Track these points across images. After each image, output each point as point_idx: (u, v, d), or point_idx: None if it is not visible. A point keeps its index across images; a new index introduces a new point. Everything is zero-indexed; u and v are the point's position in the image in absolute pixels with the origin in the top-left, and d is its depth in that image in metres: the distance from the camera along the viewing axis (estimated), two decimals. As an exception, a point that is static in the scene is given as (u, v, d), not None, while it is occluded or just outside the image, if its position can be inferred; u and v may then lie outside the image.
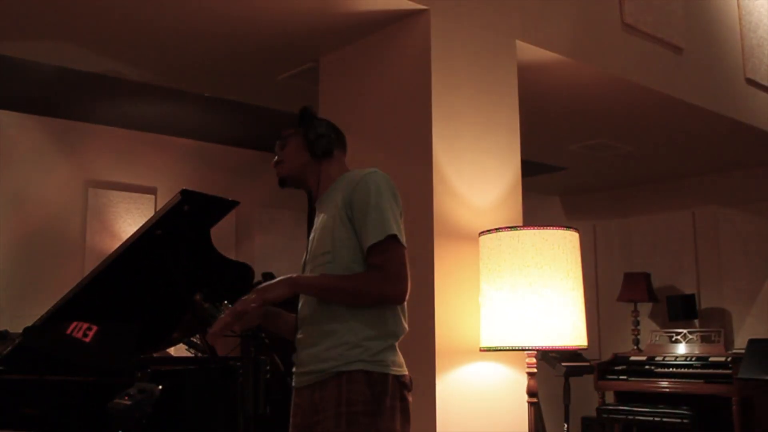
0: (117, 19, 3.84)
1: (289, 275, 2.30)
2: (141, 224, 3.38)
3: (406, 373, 2.32)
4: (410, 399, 2.31)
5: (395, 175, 3.66)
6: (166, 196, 6.26)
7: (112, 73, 4.74)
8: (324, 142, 2.47)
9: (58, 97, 5.74)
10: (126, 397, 2.27)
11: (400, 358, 2.32)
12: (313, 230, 2.48)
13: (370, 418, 2.17)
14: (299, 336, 2.38)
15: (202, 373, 3.08)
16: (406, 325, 2.35)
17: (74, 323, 3.08)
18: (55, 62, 4.60)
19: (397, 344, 2.32)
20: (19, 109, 6.00)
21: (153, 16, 3.79)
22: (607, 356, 6.83)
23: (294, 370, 2.39)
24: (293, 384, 2.39)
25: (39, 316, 3.33)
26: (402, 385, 2.27)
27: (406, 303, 2.34)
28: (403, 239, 2.29)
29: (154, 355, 3.70)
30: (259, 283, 2.41)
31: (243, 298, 2.27)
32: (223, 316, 2.31)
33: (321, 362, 2.26)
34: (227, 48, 4.19)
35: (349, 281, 2.26)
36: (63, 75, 4.99)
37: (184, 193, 2.99)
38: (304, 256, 2.48)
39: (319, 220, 2.44)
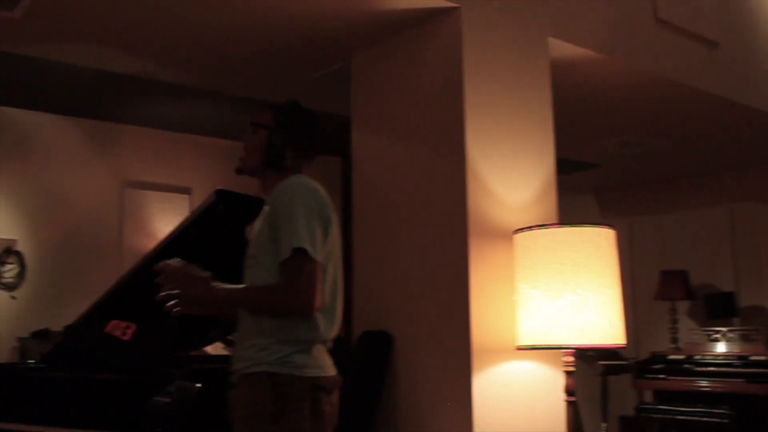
0: (151, 21, 3.87)
1: (207, 284, 2.39)
2: (176, 224, 3.41)
3: (325, 374, 2.37)
4: (328, 400, 2.36)
5: (429, 174, 3.68)
6: (200, 196, 6.31)
7: (146, 74, 4.79)
8: (277, 158, 2.54)
9: (94, 99, 5.80)
10: (165, 395, 2.30)
11: (318, 361, 2.37)
12: None
13: (274, 418, 2.24)
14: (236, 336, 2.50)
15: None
16: (331, 330, 2.41)
17: (113, 322, 3.12)
18: (91, 64, 4.65)
19: (315, 348, 2.36)
20: (56, 111, 6.08)
21: (186, 18, 3.82)
22: (644, 355, 6.76)
23: None
24: None
25: (78, 315, 3.38)
26: (316, 387, 2.32)
27: (338, 307, 2.44)
28: (314, 250, 2.30)
29: (192, 353, 3.74)
30: None
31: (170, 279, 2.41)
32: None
33: (237, 363, 2.39)
34: (260, 48, 4.21)
35: (256, 296, 2.36)
36: (98, 77, 5.04)
37: (219, 193, 3.01)
38: None
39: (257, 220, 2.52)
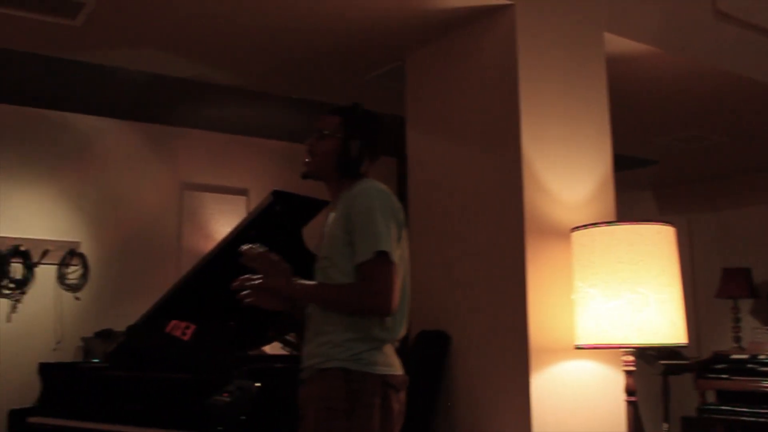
0: (206, 25, 3.93)
1: (289, 275, 2.42)
2: (234, 225, 3.45)
3: (395, 373, 2.42)
4: (397, 398, 2.40)
5: (484, 172, 3.67)
6: (257, 197, 6.38)
7: (202, 78, 4.86)
8: (352, 167, 2.54)
9: (152, 103, 5.91)
10: (225, 394, 2.33)
11: (389, 359, 2.42)
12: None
13: (347, 413, 2.28)
14: (306, 332, 2.52)
15: (298, 371, 3.12)
16: (400, 331, 2.46)
17: (173, 322, 3.17)
18: (149, 69, 4.74)
19: (386, 347, 2.42)
20: (116, 116, 6.21)
21: (241, 21, 3.87)
22: (706, 354, 6.63)
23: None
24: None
25: (140, 315, 3.44)
26: (386, 384, 2.37)
27: (405, 308, 2.47)
28: (394, 254, 2.37)
29: (250, 353, 3.78)
30: None
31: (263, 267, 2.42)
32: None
33: (310, 359, 2.43)
34: (314, 50, 4.24)
35: (336, 293, 2.40)
36: (156, 81, 5.13)
37: (276, 194, 3.04)
38: None
39: (328, 222, 2.55)
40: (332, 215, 2.51)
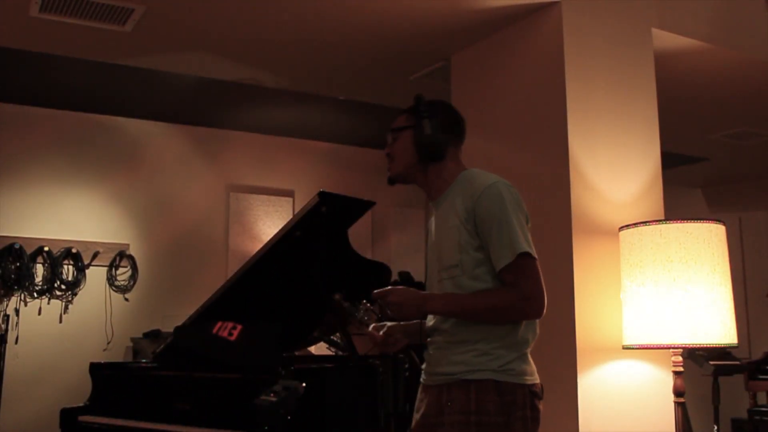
0: (251, 28, 3.96)
1: (420, 297, 2.30)
2: (280, 226, 3.46)
3: (538, 381, 2.28)
4: (541, 407, 2.28)
5: (531, 171, 3.64)
6: (303, 199, 6.42)
7: (249, 81, 4.90)
8: (432, 147, 2.38)
9: (199, 106, 5.97)
10: (271, 394, 2.32)
11: (531, 367, 2.28)
12: (431, 234, 2.45)
13: (500, 428, 2.15)
14: (431, 339, 2.37)
15: (343, 372, 3.13)
16: (538, 330, 2.31)
17: (219, 323, 3.20)
18: (196, 73, 4.79)
19: (529, 351, 2.28)
20: (164, 119, 6.29)
21: (287, 24, 3.89)
22: (757, 355, 6.50)
23: (423, 367, 2.39)
24: (422, 380, 2.39)
25: (187, 316, 3.48)
26: (533, 394, 2.24)
27: None
28: (533, 250, 2.22)
29: (296, 353, 3.79)
30: (396, 282, 2.43)
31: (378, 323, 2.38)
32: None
33: (451, 365, 2.26)
34: (360, 51, 4.25)
35: (484, 303, 2.22)
36: (203, 85, 5.19)
37: (322, 195, 3.04)
38: (426, 263, 2.44)
39: (436, 225, 2.41)
40: (448, 220, 2.33)
